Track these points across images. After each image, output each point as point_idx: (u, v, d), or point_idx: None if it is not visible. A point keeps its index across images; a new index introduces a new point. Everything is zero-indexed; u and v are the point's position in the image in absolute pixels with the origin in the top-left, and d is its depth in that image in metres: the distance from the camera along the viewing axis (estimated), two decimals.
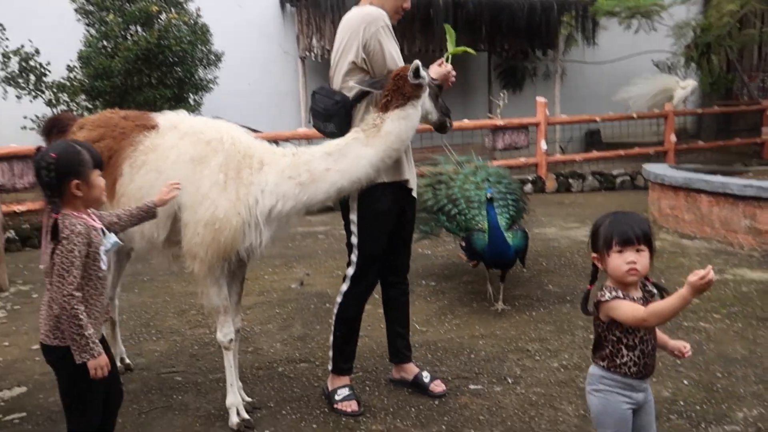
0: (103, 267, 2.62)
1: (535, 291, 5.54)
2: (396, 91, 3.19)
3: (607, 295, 2.31)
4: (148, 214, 2.94)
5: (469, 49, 3.77)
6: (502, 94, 13.15)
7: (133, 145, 3.41)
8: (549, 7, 13.47)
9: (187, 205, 3.24)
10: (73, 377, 2.57)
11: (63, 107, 10.01)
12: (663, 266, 6.07)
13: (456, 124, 11.36)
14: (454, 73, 3.51)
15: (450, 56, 3.63)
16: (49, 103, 9.99)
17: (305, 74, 13.00)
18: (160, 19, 9.92)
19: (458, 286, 5.75)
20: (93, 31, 9.92)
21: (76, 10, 9.99)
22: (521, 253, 5.12)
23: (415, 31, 12.47)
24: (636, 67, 14.53)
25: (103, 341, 2.69)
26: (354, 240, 3.49)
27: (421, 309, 5.26)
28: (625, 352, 2.35)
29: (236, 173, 3.22)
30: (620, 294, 2.31)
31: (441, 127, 3.58)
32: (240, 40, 12.34)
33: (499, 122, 11.57)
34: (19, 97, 9.92)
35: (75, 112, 10.10)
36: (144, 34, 9.73)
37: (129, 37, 9.80)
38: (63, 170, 2.51)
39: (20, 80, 9.78)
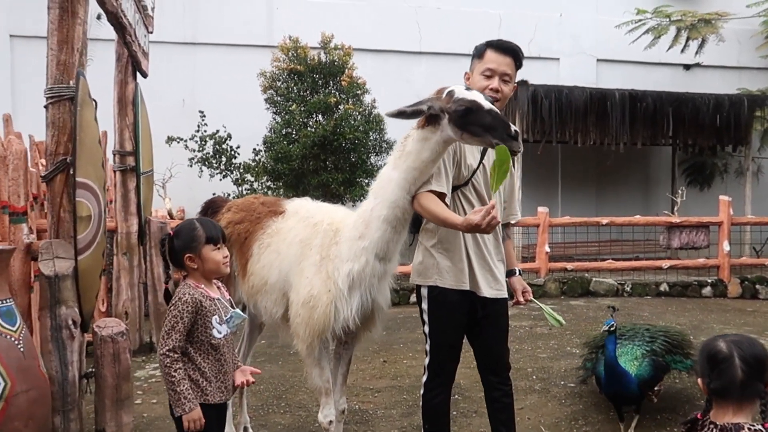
0: (217, 335, 2.83)
1: (683, 405, 5.06)
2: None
3: None
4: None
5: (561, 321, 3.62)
6: (680, 191, 12.47)
7: (263, 229, 3.73)
8: (738, 101, 12.75)
9: (293, 284, 3.44)
10: (181, 428, 2.80)
11: (247, 186, 10.94)
12: None
13: (626, 219, 10.97)
14: (493, 215, 2.80)
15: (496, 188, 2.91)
16: (235, 182, 10.98)
17: None
18: (339, 108, 10.63)
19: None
20: (279, 119, 10.83)
21: (265, 100, 11.00)
22: (647, 384, 4.52)
23: (590, 124, 12.28)
24: None
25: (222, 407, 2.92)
26: (426, 329, 3.41)
27: (553, 411, 5.00)
28: None
29: (327, 251, 3.38)
30: None
31: (499, 148, 2.81)
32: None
33: (675, 219, 10.94)
34: (211, 176, 11.00)
35: (258, 191, 11.00)
36: (322, 122, 10.47)
37: (309, 125, 10.58)
38: (177, 245, 2.82)
39: (213, 161, 10.87)
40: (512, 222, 3.71)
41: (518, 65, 3.37)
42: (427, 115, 3.02)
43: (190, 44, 13.16)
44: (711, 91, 13.07)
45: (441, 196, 3.15)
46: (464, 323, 3.39)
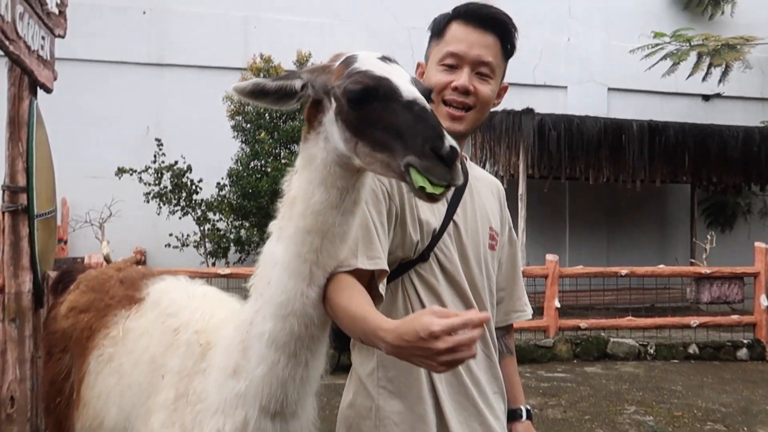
0: None
1: None
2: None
3: None
4: None
5: None
6: (709, 236, 11.01)
7: (108, 328, 2.21)
8: None
9: None
10: None
11: (209, 226, 9.51)
12: None
13: (648, 270, 9.43)
14: (472, 337, 1.30)
15: None
16: (197, 221, 9.55)
17: None
18: None
19: None
20: (246, 149, 9.45)
21: (233, 127, 9.62)
22: None
23: (602, 158, 10.87)
24: None
25: None
26: None
27: None
28: None
29: (187, 385, 1.82)
30: None
31: (414, 189, 1.37)
32: None
33: (705, 270, 9.46)
34: (171, 213, 9.58)
35: (224, 232, 9.59)
36: (296, 153, 9.08)
37: (281, 157, 9.19)
38: None
39: (172, 196, 9.44)
40: (517, 320, 2.11)
41: (508, 51, 1.89)
42: (308, 107, 1.54)
43: (156, 65, 11.79)
44: (731, 124, 11.70)
45: (375, 276, 1.66)
46: None
